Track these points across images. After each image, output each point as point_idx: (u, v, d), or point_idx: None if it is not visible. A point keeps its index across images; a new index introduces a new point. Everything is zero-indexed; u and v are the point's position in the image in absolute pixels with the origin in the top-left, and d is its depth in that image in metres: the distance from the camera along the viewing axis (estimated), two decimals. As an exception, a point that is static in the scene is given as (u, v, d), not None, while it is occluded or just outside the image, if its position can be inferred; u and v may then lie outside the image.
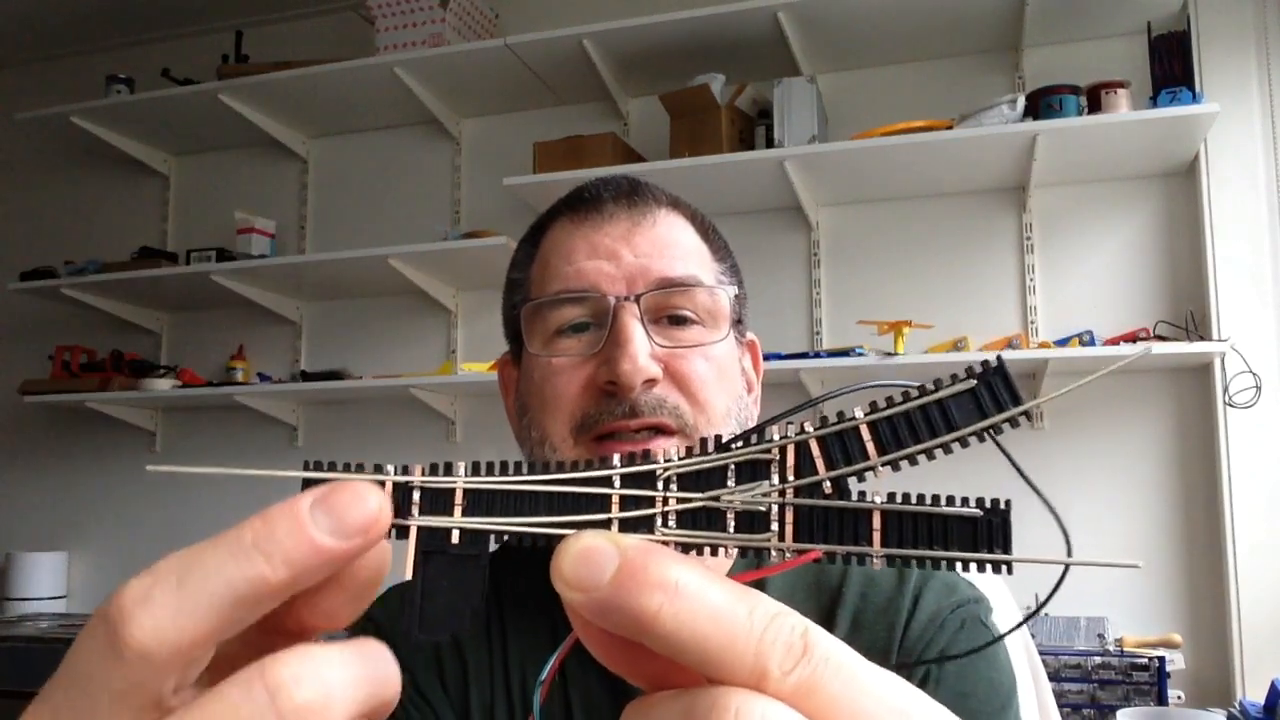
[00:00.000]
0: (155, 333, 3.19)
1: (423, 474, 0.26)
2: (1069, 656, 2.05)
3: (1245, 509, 2.20)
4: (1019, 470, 0.27)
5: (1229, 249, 2.28)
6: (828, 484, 0.25)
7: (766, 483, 0.25)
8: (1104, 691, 2.01)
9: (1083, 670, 2.03)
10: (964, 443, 0.25)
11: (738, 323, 0.78)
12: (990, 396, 0.25)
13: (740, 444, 0.26)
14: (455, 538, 0.25)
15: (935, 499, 0.25)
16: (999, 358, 0.26)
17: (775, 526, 0.25)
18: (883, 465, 0.25)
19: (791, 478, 0.25)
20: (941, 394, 0.25)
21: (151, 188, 3.30)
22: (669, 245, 0.75)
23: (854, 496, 0.26)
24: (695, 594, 0.22)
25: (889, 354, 2.28)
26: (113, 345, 3.08)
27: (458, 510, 0.26)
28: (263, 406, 2.89)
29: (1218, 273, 2.27)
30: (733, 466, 0.26)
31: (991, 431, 0.25)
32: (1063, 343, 2.26)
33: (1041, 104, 2.23)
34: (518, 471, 0.26)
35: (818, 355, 2.41)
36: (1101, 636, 2.12)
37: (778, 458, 0.26)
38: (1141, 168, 2.37)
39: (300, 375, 2.87)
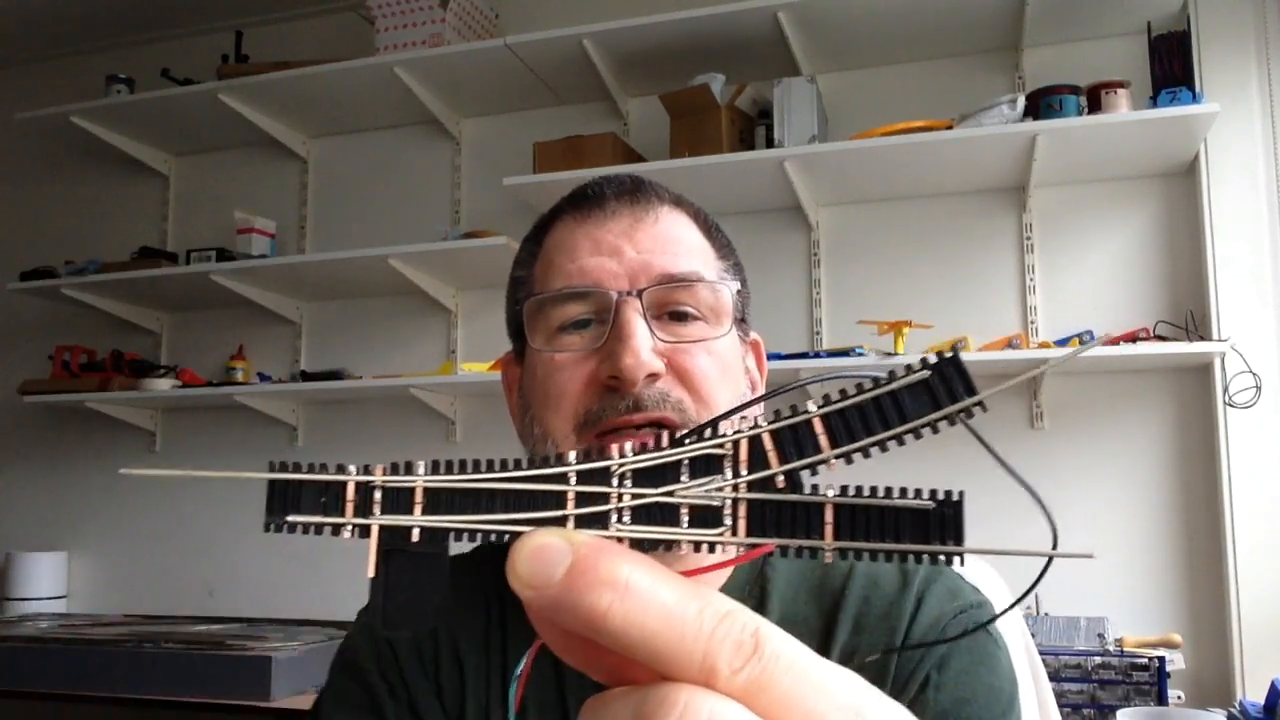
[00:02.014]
0: (155, 333, 3.19)
1: (384, 474, 0.26)
2: (1069, 656, 2.05)
3: (1245, 509, 2.20)
4: (995, 455, 0.28)
5: (1229, 249, 2.28)
6: (781, 478, 0.25)
7: (720, 478, 0.26)
8: (1104, 691, 2.01)
9: (1083, 670, 2.03)
10: (918, 434, 0.25)
11: (741, 321, 0.78)
12: (945, 388, 0.25)
13: (694, 439, 0.26)
14: (415, 535, 0.26)
15: (888, 491, 0.25)
16: (954, 349, 0.26)
17: (728, 521, 0.25)
18: (835, 458, 0.25)
19: (745, 472, 0.26)
20: (895, 385, 0.25)
21: (151, 188, 3.30)
22: (671, 242, 0.75)
23: (807, 490, 0.26)
24: (645, 592, 0.23)
25: (889, 354, 2.28)
26: (113, 345, 3.08)
27: (418, 509, 0.26)
28: (263, 406, 2.89)
29: (1218, 273, 2.27)
30: (686, 462, 0.26)
31: (949, 421, 0.25)
32: (1063, 342, 2.26)
33: (1041, 104, 2.23)
34: (478, 470, 0.26)
35: (818, 355, 2.41)
36: (1101, 636, 2.12)
37: (731, 452, 0.26)
38: (1141, 168, 2.37)
39: (300, 375, 2.87)
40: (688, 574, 0.24)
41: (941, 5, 2.35)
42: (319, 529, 0.26)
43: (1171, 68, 2.19)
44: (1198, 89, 2.17)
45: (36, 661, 2.18)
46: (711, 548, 0.26)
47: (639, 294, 0.71)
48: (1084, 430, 2.37)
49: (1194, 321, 2.29)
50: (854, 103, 2.61)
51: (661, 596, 0.23)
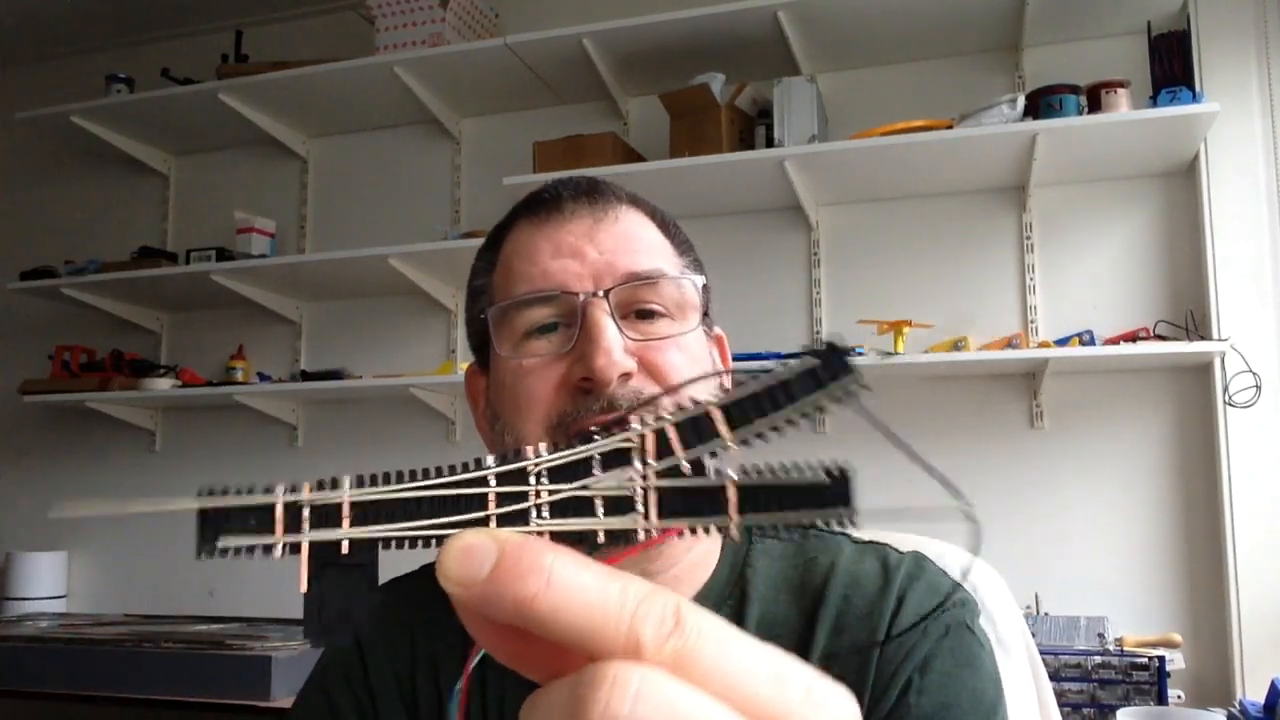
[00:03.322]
0: (155, 332, 3.19)
1: (310, 491, 0.27)
2: (1069, 656, 2.05)
3: (1245, 509, 2.20)
4: (891, 435, 0.29)
5: (1229, 249, 2.28)
6: (685, 465, 0.27)
7: (629, 470, 0.27)
8: (1104, 691, 2.01)
9: (1083, 670, 2.03)
10: (807, 415, 0.27)
11: (705, 315, 0.77)
12: (829, 374, 0.27)
13: (603, 435, 0.28)
14: (345, 549, 0.27)
15: (783, 468, 0.27)
16: (833, 338, 0.28)
17: (640, 508, 0.27)
18: (733, 443, 0.27)
19: (652, 463, 0.27)
20: (784, 375, 0.27)
21: (151, 187, 3.30)
22: (633, 240, 0.74)
23: (711, 475, 0.27)
24: (568, 578, 0.24)
25: (889, 354, 2.28)
26: (113, 345, 3.08)
27: (345, 523, 0.27)
28: (263, 406, 2.89)
29: (1218, 273, 2.27)
30: (598, 457, 0.27)
31: (834, 400, 0.27)
32: (1063, 342, 2.26)
33: (1041, 103, 2.23)
34: (401, 480, 0.27)
35: (818, 355, 2.41)
36: (1101, 636, 2.12)
37: (639, 445, 0.27)
38: (1141, 167, 2.37)
39: (300, 375, 2.87)
40: (610, 562, 0.25)
41: (941, 5, 2.35)
42: (250, 550, 0.27)
43: (1171, 67, 2.19)
44: (1198, 89, 2.17)
45: (36, 661, 2.18)
46: (627, 535, 0.27)
47: (606, 294, 0.70)
48: (1084, 430, 2.37)
49: (1194, 321, 2.29)
50: (854, 102, 2.61)
51: (584, 581, 0.24)
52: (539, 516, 0.27)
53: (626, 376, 0.69)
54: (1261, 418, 2.21)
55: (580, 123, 2.75)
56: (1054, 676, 1.99)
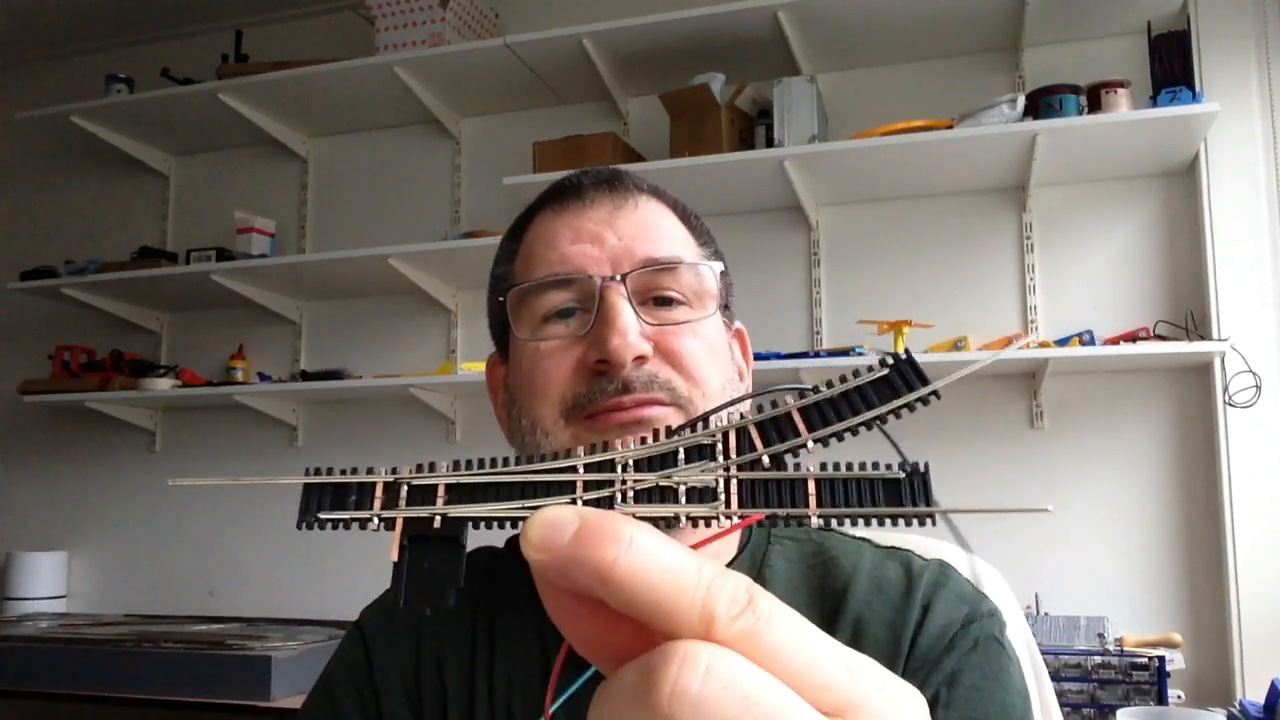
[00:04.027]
0: (155, 332, 3.19)
1: (410, 473, 0.29)
2: (1069, 656, 2.05)
3: (1245, 509, 2.20)
4: (895, 446, 0.31)
5: (1229, 249, 2.28)
6: (766, 459, 0.29)
7: (711, 462, 0.29)
8: (1104, 691, 2.01)
9: (1083, 670, 2.03)
10: (883, 420, 0.29)
11: (725, 308, 0.77)
12: (903, 381, 0.29)
13: (688, 431, 0.29)
14: (437, 523, 0.29)
15: (862, 465, 0.28)
16: (907, 350, 0.30)
17: (722, 497, 0.28)
18: (813, 441, 0.29)
19: (734, 457, 0.29)
20: (861, 381, 0.29)
21: (151, 187, 3.30)
22: (652, 228, 0.74)
23: (791, 469, 0.29)
24: (648, 548, 0.24)
25: (889, 354, 2.28)
26: (113, 345, 3.08)
27: (440, 501, 0.29)
28: (263, 406, 2.89)
29: (1218, 273, 2.27)
30: (682, 451, 0.29)
31: (909, 408, 0.29)
32: (1063, 342, 2.26)
33: (1041, 103, 2.23)
34: (494, 466, 0.29)
35: (818, 355, 2.41)
36: (1101, 636, 2.12)
37: (721, 442, 0.29)
38: (1141, 167, 2.37)
39: (300, 375, 2.87)
40: (690, 548, 0.26)
41: (941, 5, 2.35)
42: (348, 524, 0.29)
43: (1171, 67, 2.19)
44: (1198, 89, 2.17)
45: (36, 661, 2.18)
46: (708, 521, 0.29)
47: (623, 278, 0.70)
48: (1084, 430, 2.37)
49: (1194, 321, 2.29)
50: (854, 102, 2.61)
51: (663, 552, 0.24)
52: (623, 501, 0.28)
53: (642, 360, 0.69)
54: (1261, 418, 2.21)
55: (580, 123, 2.75)
56: (1054, 676, 1.99)
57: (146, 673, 2.11)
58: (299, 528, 0.30)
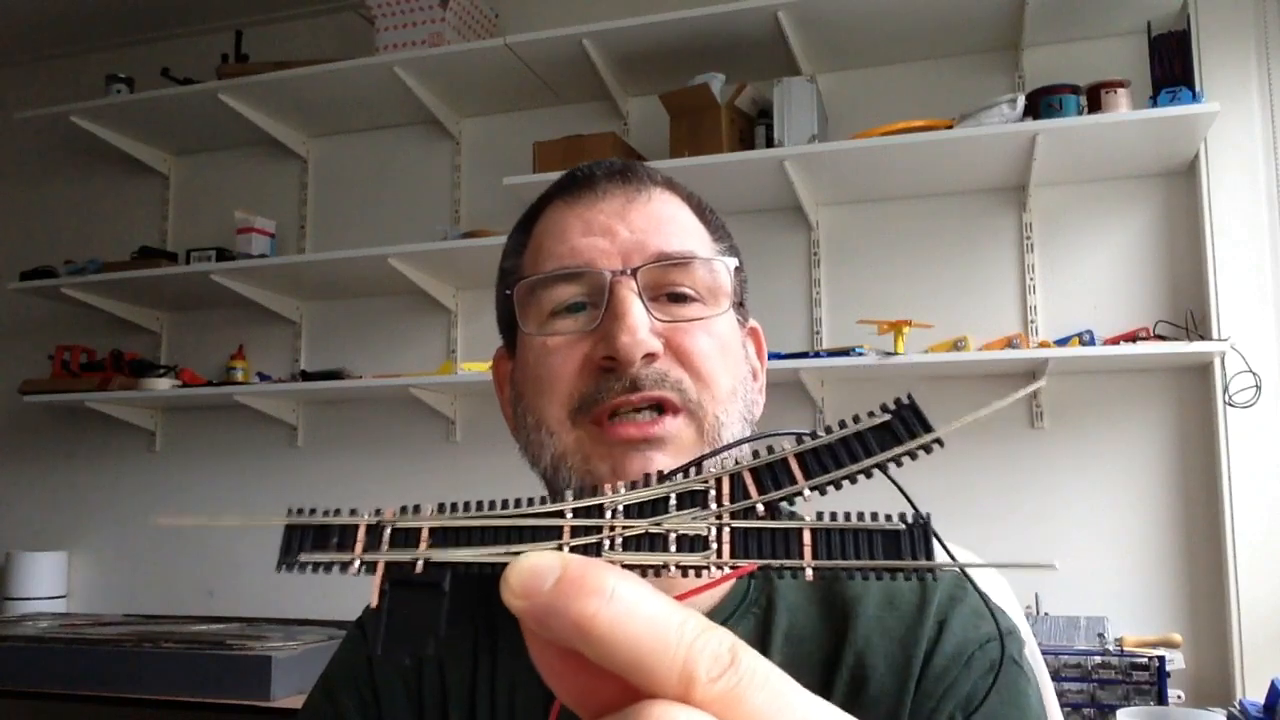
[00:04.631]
0: (155, 332, 3.19)
1: (394, 516, 0.29)
2: (1069, 656, 2.05)
3: (1245, 509, 2.20)
4: (905, 496, 0.31)
5: (1229, 249, 2.28)
6: (760, 507, 0.28)
7: (703, 509, 0.28)
8: (1104, 691, 2.01)
9: (1083, 670, 2.03)
10: (883, 468, 0.28)
11: (740, 305, 0.75)
12: (904, 428, 0.28)
13: (680, 477, 0.28)
14: (419, 568, 0.28)
15: (860, 515, 0.28)
16: (909, 396, 0.28)
17: (714, 546, 0.27)
18: (810, 490, 0.28)
19: (727, 502, 0.28)
20: (860, 427, 0.28)
21: (151, 187, 3.30)
22: (665, 221, 0.72)
23: (786, 518, 0.28)
24: (629, 601, 0.24)
25: (889, 354, 2.28)
26: (113, 345, 3.08)
27: (423, 545, 0.28)
28: (263, 406, 2.89)
29: (1218, 273, 2.27)
30: (674, 497, 0.28)
31: (911, 456, 0.28)
32: (1063, 342, 2.26)
33: (1041, 103, 2.23)
34: (481, 509, 0.28)
35: (818, 355, 2.41)
36: (1101, 636, 2.12)
37: (714, 488, 0.28)
38: (1141, 167, 2.37)
39: (300, 375, 2.87)
40: (678, 598, 0.25)
41: (941, 5, 2.35)
42: (328, 567, 0.29)
43: (1171, 67, 2.19)
44: (1198, 89, 2.17)
45: (36, 661, 2.18)
46: (699, 572, 0.28)
47: (633, 273, 0.68)
48: (1084, 430, 2.37)
49: (1194, 321, 2.29)
50: (854, 102, 2.61)
51: (645, 606, 0.24)
52: (611, 549, 0.27)
53: (651, 357, 0.66)
54: (1261, 418, 2.21)
55: (580, 123, 2.75)
56: (1054, 676, 1.99)
57: (146, 673, 2.11)
58: (279, 570, 0.29)
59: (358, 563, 0.28)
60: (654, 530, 0.28)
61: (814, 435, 0.28)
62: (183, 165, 3.29)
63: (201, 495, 3.06)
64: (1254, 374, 2.20)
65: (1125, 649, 2.07)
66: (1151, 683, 2.00)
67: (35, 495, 3.26)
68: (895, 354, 2.27)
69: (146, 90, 2.98)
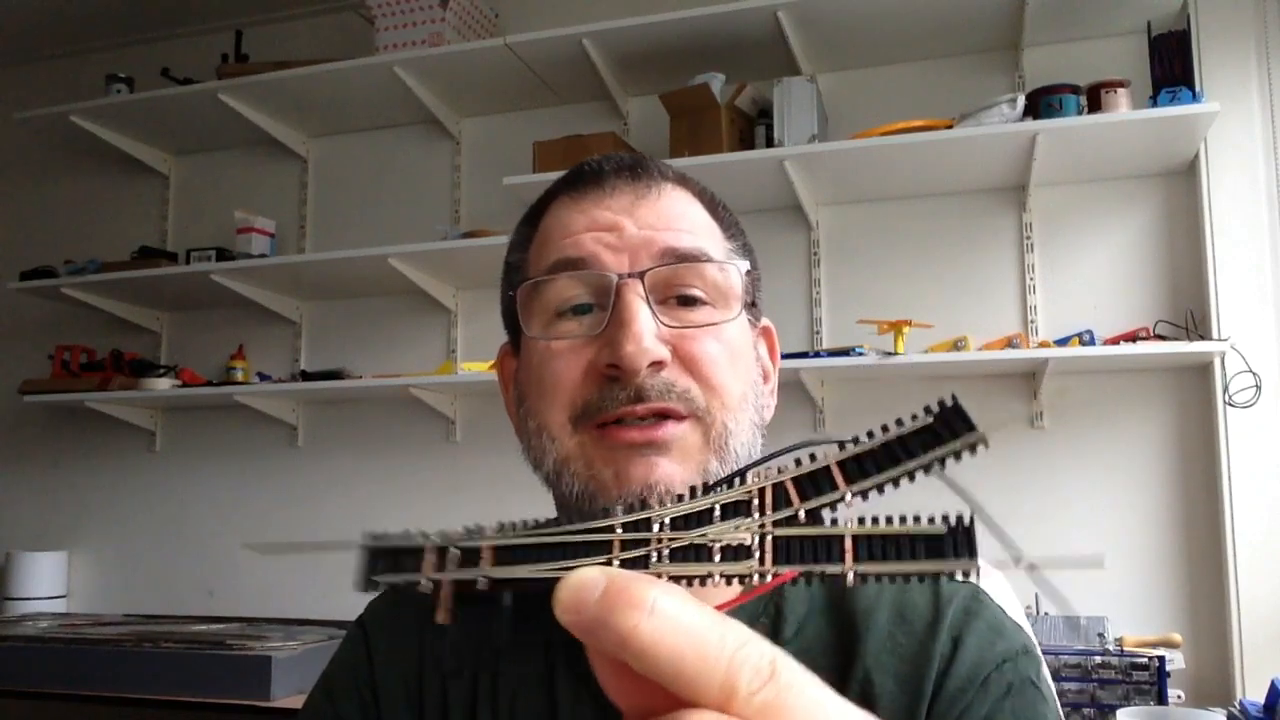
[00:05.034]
0: (155, 332, 3.19)
1: (458, 537, 0.31)
2: (1069, 656, 2.05)
3: (1245, 509, 2.20)
4: (960, 493, 0.30)
5: (1229, 249, 2.28)
6: (802, 514, 0.28)
7: (747, 519, 0.29)
8: (1104, 691, 2.01)
9: (1083, 670, 2.03)
10: (926, 470, 0.28)
11: (752, 305, 0.73)
12: (947, 428, 0.28)
13: (724, 488, 0.29)
14: (482, 584, 0.30)
15: (902, 519, 0.28)
16: (953, 396, 0.28)
17: (756, 554, 0.28)
18: (852, 495, 0.28)
19: (770, 513, 0.29)
20: (903, 431, 0.28)
21: (151, 187, 3.30)
22: (675, 218, 0.69)
23: (828, 525, 0.28)
24: (671, 614, 0.24)
25: (889, 353, 2.28)
26: (113, 345, 3.08)
27: (484, 563, 0.30)
28: (263, 406, 2.89)
29: (1218, 273, 2.27)
30: (718, 509, 0.29)
31: (955, 457, 0.28)
32: (1063, 342, 2.26)
33: (1041, 103, 2.23)
34: (539, 528, 0.30)
35: (818, 355, 2.41)
36: (1101, 636, 2.12)
37: (757, 499, 0.29)
38: (1141, 167, 2.37)
39: (300, 375, 2.87)
40: (719, 608, 0.26)
41: (941, 5, 2.35)
42: (400, 588, 0.30)
43: (1171, 67, 2.19)
44: (1198, 88, 2.17)
45: (36, 661, 2.18)
46: (742, 580, 0.28)
47: (641, 276, 0.65)
48: (1084, 430, 2.37)
49: (1194, 321, 2.29)
50: (854, 102, 2.61)
51: (686, 620, 0.24)
52: (658, 560, 0.28)
53: (658, 366, 0.64)
54: (1261, 418, 2.21)
55: (580, 123, 2.75)
56: (1054, 676, 1.99)
57: (146, 673, 2.11)
58: (360, 590, 0.31)
59: (426, 581, 0.30)
60: (699, 541, 0.28)
61: (856, 441, 0.29)
62: (183, 165, 3.29)
63: (201, 495, 3.06)
64: (1254, 374, 2.20)
65: (1125, 649, 2.07)
66: (1151, 683, 2.00)
67: (35, 495, 3.26)
68: (895, 354, 2.27)
69: (146, 90, 2.98)
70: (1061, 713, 0.68)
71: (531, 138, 2.62)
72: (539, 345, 0.68)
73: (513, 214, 0.80)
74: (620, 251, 0.67)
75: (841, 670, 0.65)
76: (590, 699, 0.69)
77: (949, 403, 0.28)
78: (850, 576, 0.27)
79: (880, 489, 0.28)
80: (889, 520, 0.28)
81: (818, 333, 2.57)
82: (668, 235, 0.68)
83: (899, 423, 0.28)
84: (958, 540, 0.27)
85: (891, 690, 0.64)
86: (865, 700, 0.64)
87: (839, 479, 0.28)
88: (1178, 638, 2.13)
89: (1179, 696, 2.04)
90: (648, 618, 0.24)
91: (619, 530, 0.29)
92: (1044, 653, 0.70)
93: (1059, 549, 2.32)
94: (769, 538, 0.28)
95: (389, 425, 2.91)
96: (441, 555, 0.30)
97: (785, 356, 2.35)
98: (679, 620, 0.24)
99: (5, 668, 2.18)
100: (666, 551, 0.28)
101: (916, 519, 0.28)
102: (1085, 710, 2.01)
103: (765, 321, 0.77)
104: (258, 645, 2.11)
